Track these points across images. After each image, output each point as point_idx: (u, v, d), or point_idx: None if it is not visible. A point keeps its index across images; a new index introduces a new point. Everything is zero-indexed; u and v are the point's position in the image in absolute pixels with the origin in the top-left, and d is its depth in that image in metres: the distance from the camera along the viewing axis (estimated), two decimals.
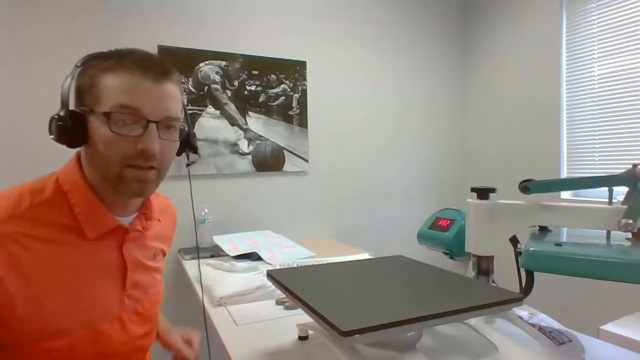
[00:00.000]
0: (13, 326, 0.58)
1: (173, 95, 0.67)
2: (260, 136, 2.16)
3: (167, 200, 0.92)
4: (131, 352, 0.73)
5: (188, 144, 0.79)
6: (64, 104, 0.63)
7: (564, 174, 2.20)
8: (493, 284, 0.85)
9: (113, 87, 0.62)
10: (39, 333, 0.60)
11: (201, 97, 2.02)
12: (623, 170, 0.72)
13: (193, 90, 2.00)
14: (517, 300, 0.65)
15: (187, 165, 0.82)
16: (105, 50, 0.67)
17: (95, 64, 0.64)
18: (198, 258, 1.55)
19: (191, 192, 1.05)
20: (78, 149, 0.68)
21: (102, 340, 0.66)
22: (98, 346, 0.66)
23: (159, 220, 0.82)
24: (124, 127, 0.62)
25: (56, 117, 0.63)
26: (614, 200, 0.72)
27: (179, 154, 0.77)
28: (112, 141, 0.62)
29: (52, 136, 0.64)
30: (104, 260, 0.68)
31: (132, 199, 0.71)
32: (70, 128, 0.63)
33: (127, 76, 0.62)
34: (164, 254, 0.87)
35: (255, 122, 2.15)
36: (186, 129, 0.77)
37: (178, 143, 0.73)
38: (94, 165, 0.66)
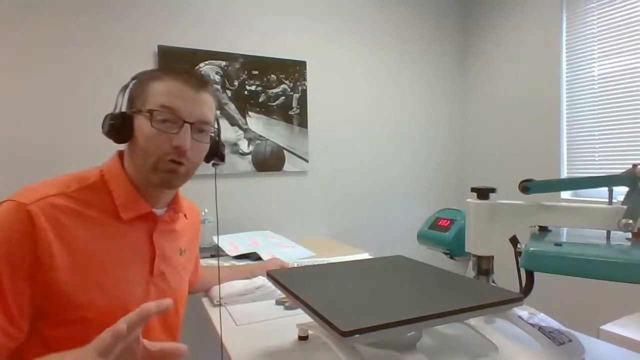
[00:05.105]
0: (56, 291, 0.65)
1: (208, 103, 0.78)
2: (260, 136, 2.16)
3: (192, 204, 1.02)
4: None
5: (217, 153, 0.89)
6: (117, 106, 0.77)
7: (564, 174, 2.20)
8: (493, 284, 0.85)
9: (158, 91, 0.74)
10: (75, 301, 0.66)
11: None
12: (623, 170, 0.72)
13: None
14: (517, 300, 0.65)
15: (213, 164, 0.90)
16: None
17: (147, 75, 0.77)
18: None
19: (216, 193, 1.13)
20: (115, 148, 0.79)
21: None
22: None
23: (185, 217, 0.90)
24: (163, 124, 0.73)
25: (109, 115, 0.74)
26: (614, 200, 0.72)
27: (207, 160, 0.86)
28: (152, 136, 0.73)
29: (103, 130, 0.75)
30: (136, 243, 0.76)
31: (161, 191, 0.80)
32: (119, 126, 0.74)
33: (172, 83, 0.74)
34: (193, 254, 0.96)
35: (255, 122, 2.15)
36: (217, 138, 0.87)
37: (208, 145, 0.82)
38: (134, 159, 0.76)
